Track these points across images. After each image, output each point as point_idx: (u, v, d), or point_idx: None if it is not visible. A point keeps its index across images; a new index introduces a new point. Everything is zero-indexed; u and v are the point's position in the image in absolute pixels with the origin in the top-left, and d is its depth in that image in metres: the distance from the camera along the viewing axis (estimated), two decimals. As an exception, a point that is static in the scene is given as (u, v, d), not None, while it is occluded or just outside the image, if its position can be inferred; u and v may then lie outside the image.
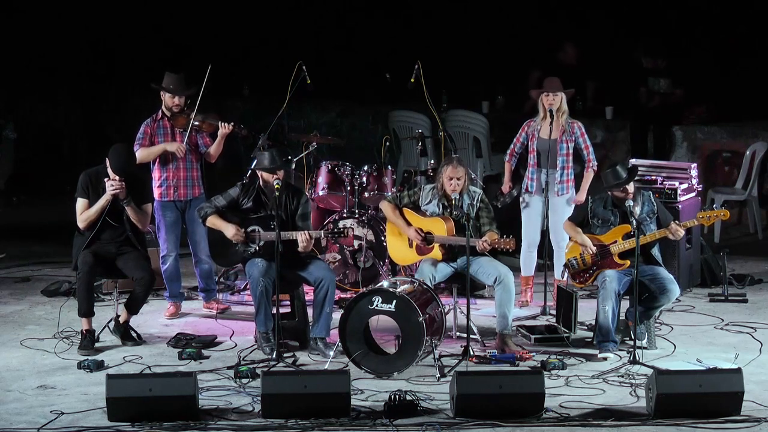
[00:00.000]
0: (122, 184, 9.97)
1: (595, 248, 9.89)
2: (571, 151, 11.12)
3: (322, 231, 10.14)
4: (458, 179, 10.09)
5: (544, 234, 11.19)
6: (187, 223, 10.95)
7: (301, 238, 9.84)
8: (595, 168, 11.20)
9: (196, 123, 10.84)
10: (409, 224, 10.30)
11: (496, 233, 10.00)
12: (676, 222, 9.91)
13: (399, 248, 10.40)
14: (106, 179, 10.01)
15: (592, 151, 11.20)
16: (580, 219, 10.13)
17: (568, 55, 15.07)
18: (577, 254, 10.02)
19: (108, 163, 10.02)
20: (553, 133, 11.10)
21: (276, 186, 9.88)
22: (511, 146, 11.34)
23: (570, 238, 10.15)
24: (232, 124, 10.84)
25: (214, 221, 10.10)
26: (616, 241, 9.88)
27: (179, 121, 10.87)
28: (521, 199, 11.27)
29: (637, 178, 10.17)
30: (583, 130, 11.19)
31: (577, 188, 11.20)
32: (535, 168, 11.16)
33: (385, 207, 10.45)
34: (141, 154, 10.73)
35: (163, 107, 10.92)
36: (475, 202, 10.16)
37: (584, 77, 14.90)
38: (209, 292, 11.19)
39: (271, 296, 9.82)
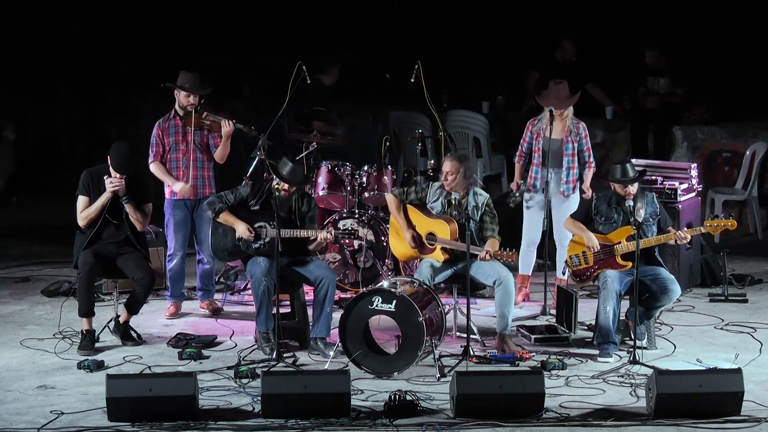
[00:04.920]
0: (122, 181, 9.98)
1: (599, 247, 9.88)
2: (576, 151, 11.13)
3: (333, 230, 10.15)
4: (450, 174, 10.10)
5: (545, 234, 11.19)
6: (195, 222, 10.94)
7: (323, 235, 9.87)
8: (594, 169, 11.23)
9: (207, 122, 10.83)
10: (409, 225, 10.30)
11: (498, 239, 10.00)
12: (685, 229, 9.94)
13: (401, 245, 10.40)
14: (106, 177, 10.02)
15: (592, 153, 11.22)
16: (583, 216, 10.12)
17: (567, 52, 15.06)
18: (580, 252, 10.02)
19: (110, 161, 10.03)
20: (559, 133, 11.11)
21: (276, 186, 9.91)
22: (519, 148, 11.33)
23: (573, 235, 10.13)
24: (234, 122, 10.83)
25: (227, 217, 10.12)
26: (620, 242, 9.87)
27: (190, 120, 10.85)
28: (524, 197, 11.27)
29: (643, 178, 10.17)
30: (587, 131, 11.22)
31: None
32: (539, 167, 11.16)
33: (391, 202, 10.44)
34: (154, 168, 10.77)
35: (176, 106, 10.91)
36: (480, 205, 10.16)
37: (584, 74, 14.89)
38: (207, 292, 11.19)
39: (272, 296, 9.83)
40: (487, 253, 9.84)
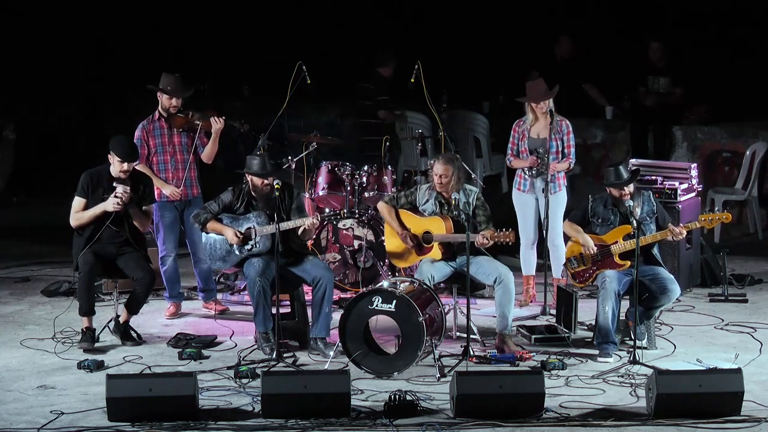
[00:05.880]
0: (124, 197, 9.93)
1: (596, 248, 9.90)
2: (561, 149, 11.12)
3: (319, 215, 10.16)
4: (444, 176, 10.10)
5: (542, 232, 11.18)
6: (185, 223, 10.95)
7: (309, 221, 9.88)
8: (572, 165, 11.20)
9: (197, 122, 10.83)
10: (403, 227, 10.31)
11: (493, 230, 10.00)
12: (681, 224, 9.95)
13: (398, 249, 10.40)
14: (113, 194, 9.94)
15: (573, 152, 11.16)
16: (580, 218, 10.14)
17: (563, 48, 15.05)
18: (577, 253, 10.03)
19: (113, 157, 9.99)
20: (543, 133, 11.11)
21: (276, 186, 9.92)
22: (509, 152, 11.32)
23: (570, 238, 10.16)
24: (224, 118, 10.83)
25: (214, 226, 10.13)
26: (617, 242, 9.88)
27: (177, 121, 10.85)
28: (513, 198, 11.27)
29: (637, 178, 10.19)
30: (570, 129, 11.18)
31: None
32: (526, 167, 11.16)
33: (382, 209, 10.46)
34: (140, 169, 10.72)
35: (159, 108, 10.90)
36: (471, 200, 10.17)
37: (582, 71, 14.89)
38: (208, 292, 11.19)
39: (269, 296, 9.83)
40: (483, 236, 9.84)
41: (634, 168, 10.26)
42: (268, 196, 10.07)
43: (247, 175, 10.12)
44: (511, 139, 11.30)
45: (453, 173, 10.10)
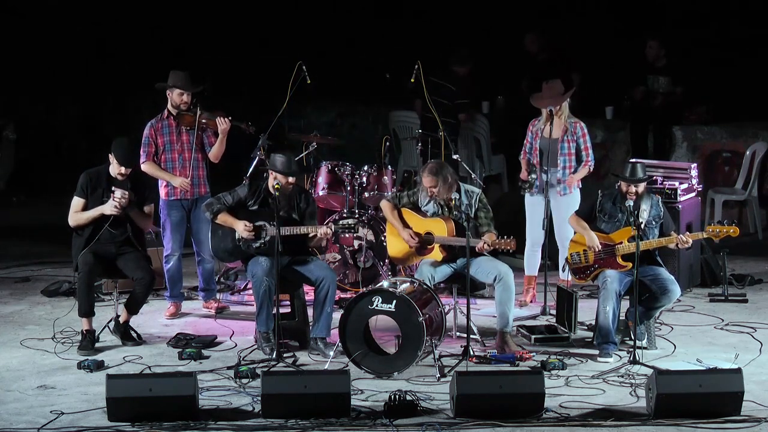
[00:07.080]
0: (126, 200, 9.94)
1: (600, 247, 9.89)
2: (573, 151, 11.15)
3: (333, 225, 10.14)
4: (432, 188, 10.09)
5: (547, 233, 11.19)
6: (192, 221, 10.95)
7: (323, 231, 9.87)
8: (592, 168, 11.24)
9: (203, 121, 10.83)
10: (405, 226, 10.30)
11: (495, 234, 10.01)
12: (687, 233, 9.95)
13: (399, 248, 10.40)
14: (112, 195, 9.95)
15: (591, 153, 11.23)
16: (587, 213, 10.12)
17: (532, 45, 15.03)
18: (581, 250, 10.02)
19: (113, 159, 10.01)
20: (555, 133, 11.13)
21: (276, 186, 9.91)
22: (523, 148, 11.37)
23: (575, 233, 10.13)
24: (230, 119, 10.83)
25: (225, 218, 10.11)
26: (621, 242, 9.87)
27: (185, 120, 10.84)
28: (525, 196, 11.28)
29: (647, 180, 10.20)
30: (586, 130, 11.22)
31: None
32: (537, 167, 11.18)
33: (385, 207, 10.45)
34: (147, 167, 10.74)
35: (169, 106, 10.90)
36: (473, 202, 10.17)
37: (559, 67, 14.88)
38: (209, 291, 11.20)
39: (273, 296, 9.83)
40: (484, 243, 9.85)
41: (651, 173, 10.24)
42: (290, 195, 10.07)
43: (271, 172, 10.10)
44: (526, 137, 11.35)
45: (439, 182, 10.07)
